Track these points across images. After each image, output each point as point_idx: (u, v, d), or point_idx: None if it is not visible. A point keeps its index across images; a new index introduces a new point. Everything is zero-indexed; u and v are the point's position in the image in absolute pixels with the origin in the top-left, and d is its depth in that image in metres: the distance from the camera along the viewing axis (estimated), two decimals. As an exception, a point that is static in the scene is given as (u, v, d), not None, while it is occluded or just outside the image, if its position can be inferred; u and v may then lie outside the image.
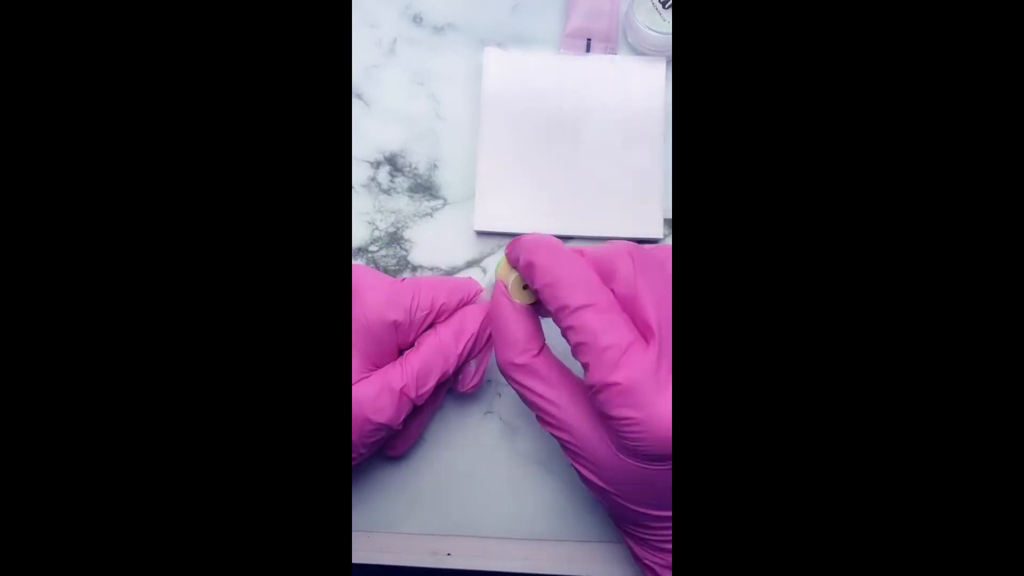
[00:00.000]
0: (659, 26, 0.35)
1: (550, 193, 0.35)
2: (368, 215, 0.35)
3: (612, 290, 0.23)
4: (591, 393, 0.22)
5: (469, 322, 0.28)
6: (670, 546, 0.24)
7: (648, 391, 0.21)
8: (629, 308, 0.23)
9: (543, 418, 0.25)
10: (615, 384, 0.21)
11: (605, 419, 0.22)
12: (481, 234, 0.35)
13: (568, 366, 0.26)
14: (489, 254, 0.35)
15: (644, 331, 0.22)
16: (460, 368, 0.29)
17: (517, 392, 0.26)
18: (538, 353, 0.25)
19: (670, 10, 0.35)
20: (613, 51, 0.37)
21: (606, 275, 0.24)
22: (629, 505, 0.24)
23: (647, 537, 0.25)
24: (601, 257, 0.24)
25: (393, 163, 0.36)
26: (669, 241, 0.35)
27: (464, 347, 0.28)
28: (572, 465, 0.25)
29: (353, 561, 0.31)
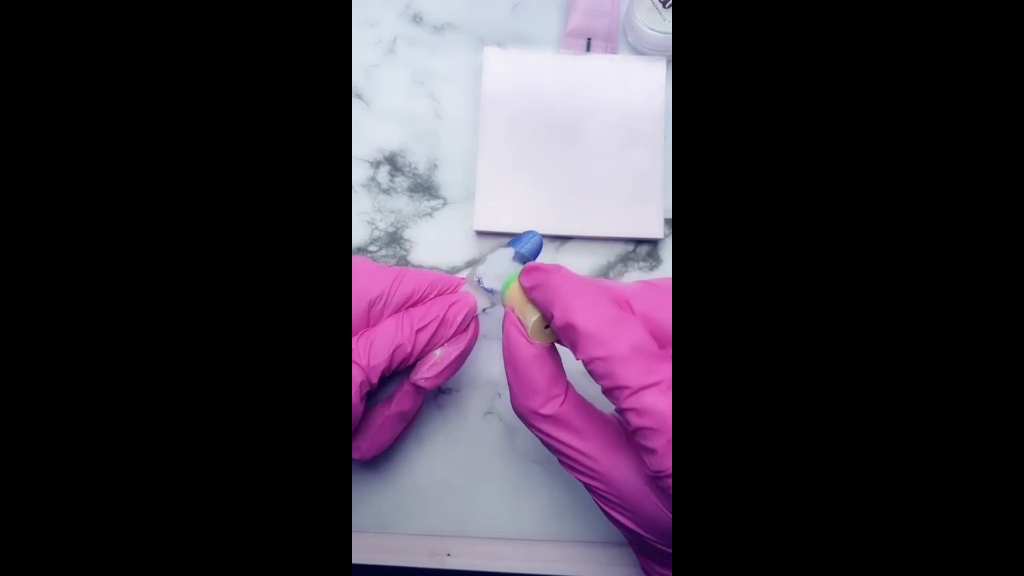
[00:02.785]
0: (659, 25, 0.35)
1: (550, 193, 0.35)
2: (368, 215, 0.35)
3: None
4: (655, 476, 0.20)
5: (436, 305, 0.27)
6: None
7: None
8: None
9: (571, 465, 0.23)
10: None
11: (669, 499, 0.20)
12: (481, 234, 0.35)
13: (589, 396, 0.23)
14: (488, 253, 0.35)
15: None
16: (422, 355, 0.27)
17: (538, 438, 0.23)
18: (564, 400, 0.23)
19: (670, 10, 0.35)
20: (613, 51, 0.37)
21: (662, 338, 0.21)
22: (664, 548, 0.22)
23: (669, 564, 0.23)
24: (653, 316, 0.21)
25: (393, 163, 0.36)
26: (669, 241, 0.35)
27: (426, 326, 0.26)
28: (600, 507, 0.23)
29: (353, 561, 0.31)
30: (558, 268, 0.23)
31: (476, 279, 0.28)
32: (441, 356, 0.27)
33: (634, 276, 0.35)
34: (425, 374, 0.27)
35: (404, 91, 0.37)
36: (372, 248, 0.35)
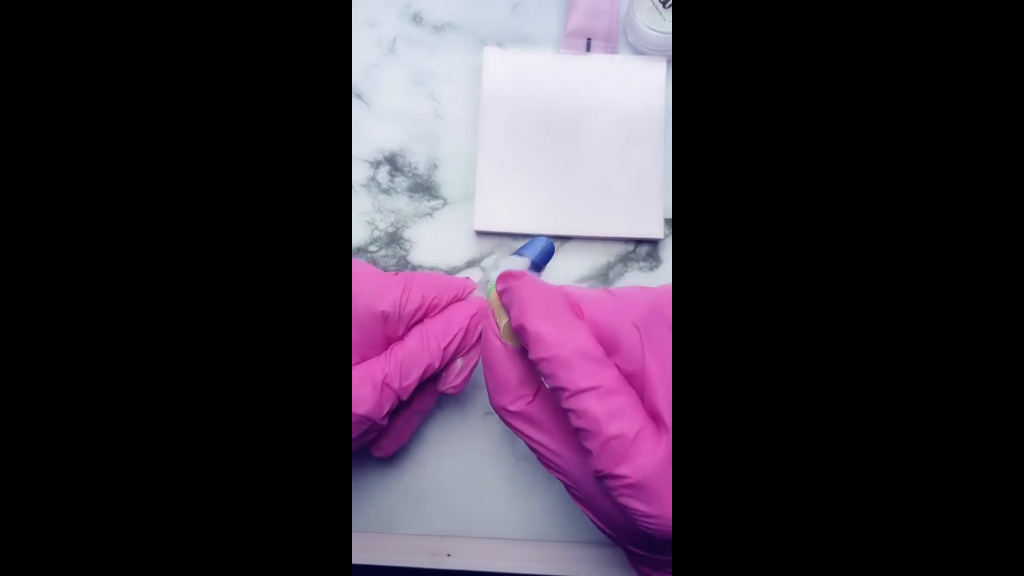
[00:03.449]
0: (659, 25, 0.35)
1: (550, 193, 0.35)
2: (368, 215, 0.35)
3: (616, 365, 0.21)
4: (597, 476, 0.21)
5: (458, 317, 0.27)
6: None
7: (663, 487, 0.19)
8: (636, 385, 0.21)
9: (544, 462, 0.24)
10: (623, 477, 0.19)
11: (614, 500, 0.20)
12: (481, 234, 0.35)
13: None
14: (489, 254, 0.35)
15: (653, 415, 0.20)
16: (446, 366, 0.28)
17: (513, 432, 0.25)
18: (532, 399, 0.24)
19: (670, 9, 0.35)
20: (613, 50, 0.37)
21: (609, 346, 0.22)
22: (633, 549, 0.23)
23: (652, 563, 0.24)
24: (602, 323, 0.22)
25: (393, 163, 0.36)
26: (669, 241, 0.35)
27: (451, 342, 0.27)
28: (576, 504, 0.24)
29: (353, 561, 0.31)
30: (523, 275, 0.24)
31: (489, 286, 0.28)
32: (463, 364, 0.29)
33: (634, 276, 0.35)
34: (452, 383, 0.28)
35: (404, 91, 0.37)
36: (372, 248, 0.35)
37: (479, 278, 0.35)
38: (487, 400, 0.33)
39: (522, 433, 0.24)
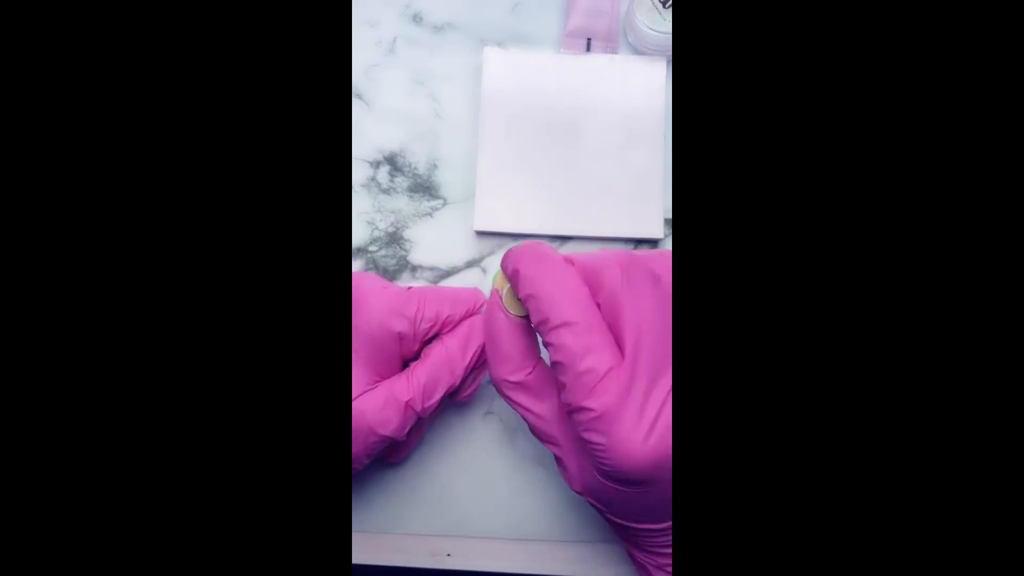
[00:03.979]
0: (659, 25, 0.35)
1: (550, 193, 0.35)
2: (368, 215, 0.35)
3: (598, 304, 0.22)
4: (567, 411, 0.22)
5: (476, 335, 0.28)
6: (667, 550, 0.24)
7: (616, 418, 0.20)
8: (612, 323, 0.22)
9: (534, 432, 0.25)
10: (589, 410, 0.20)
11: (583, 441, 0.22)
12: (481, 234, 0.35)
13: None
14: (489, 254, 0.35)
15: (621, 343, 0.21)
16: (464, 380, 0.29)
17: (507, 403, 0.26)
18: (532, 370, 0.25)
19: (670, 9, 0.35)
20: (613, 50, 0.37)
21: (593, 285, 0.23)
22: (616, 520, 0.24)
23: (641, 543, 0.25)
24: (591, 267, 0.23)
25: (393, 163, 0.36)
26: (669, 241, 0.35)
27: (471, 360, 0.28)
28: (563, 477, 0.25)
29: (353, 561, 0.31)
30: (529, 241, 0.26)
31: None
32: (475, 374, 0.29)
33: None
34: (465, 392, 0.29)
35: (404, 91, 0.37)
36: (372, 248, 0.35)
37: (480, 278, 0.35)
38: (487, 400, 0.33)
39: (518, 404, 0.25)
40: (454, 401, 0.30)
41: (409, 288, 0.29)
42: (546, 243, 0.25)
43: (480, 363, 0.29)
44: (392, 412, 0.26)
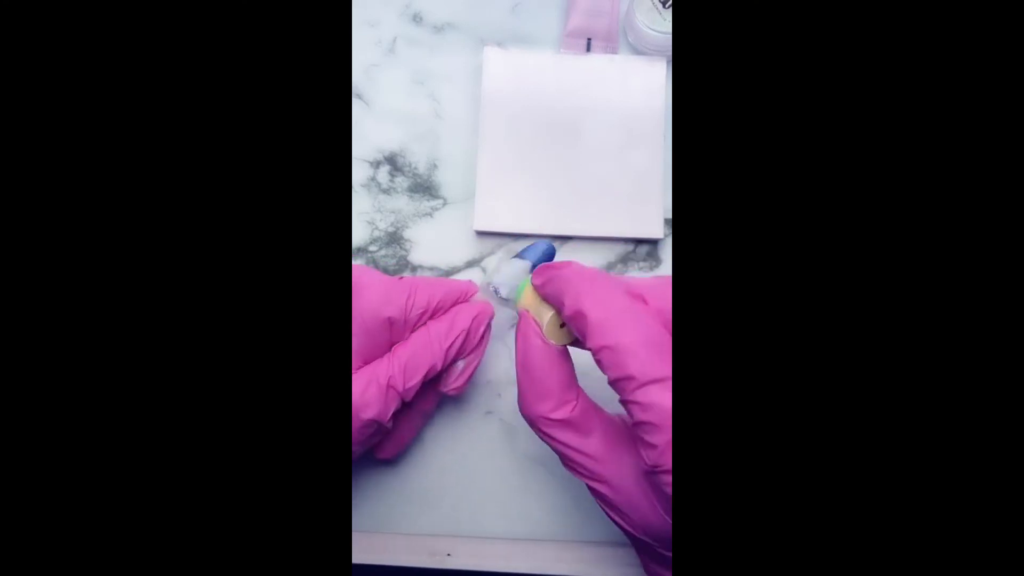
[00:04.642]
0: (659, 25, 0.35)
1: (550, 193, 0.35)
2: (368, 215, 0.35)
3: None
4: (652, 471, 0.20)
5: (460, 319, 0.28)
6: None
7: None
8: None
9: (574, 468, 0.23)
10: None
11: (665, 498, 0.20)
12: (481, 234, 0.35)
13: (592, 389, 0.23)
14: (489, 254, 0.35)
15: None
16: (448, 367, 0.28)
17: (544, 441, 0.23)
18: (576, 404, 0.23)
19: (670, 9, 0.35)
20: (613, 50, 0.37)
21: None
22: (663, 552, 0.22)
23: (670, 566, 0.23)
24: (666, 312, 0.21)
25: (393, 163, 0.36)
26: (669, 241, 0.35)
27: (453, 342, 0.27)
28: (602, 508, 0.23)
29: (353, 561, 0.31)
30: (570, 263, 0.23)
31: (493, 289, 0.29)
32: (464, 365, 0.29)
33: (634, 276, 0.35)
34: (454, 384, 0.29)
35: (404, 91, 0.37)
36: (372, 248, 0.35)
37: (479, 278, 0.35)
38: (487, 400, 0.33)
39: (559, 441, 0.23)
40: (442, 391, 0.29)
41: (401, 278, 0.29)
42: (600, 271, 0.23)
43: (468, 352, 0.28)
44: (373, 393, 0.25)
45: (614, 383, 0.20)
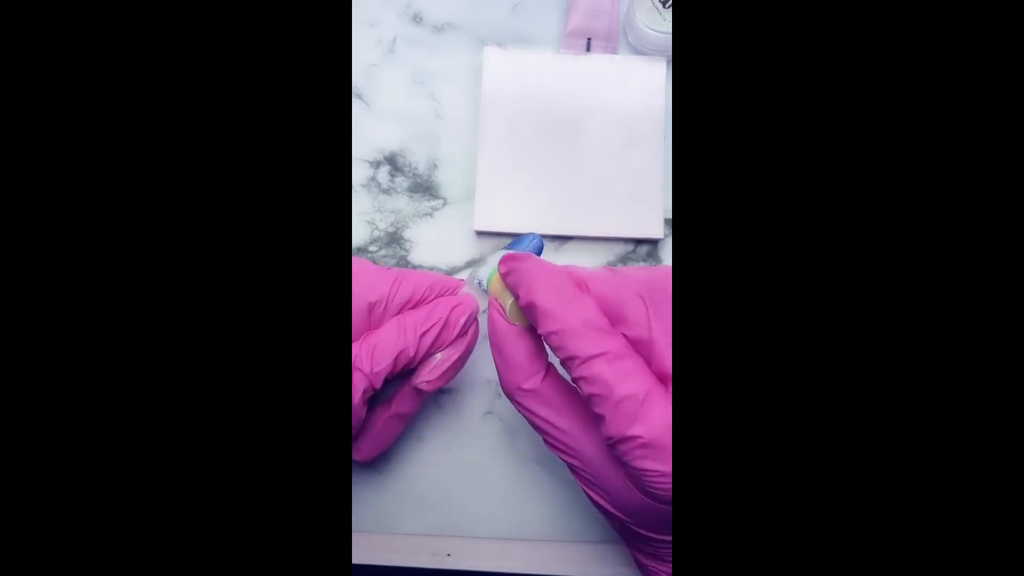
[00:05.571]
0: (659, 25, 0.35)
1: (550, 193, 0.35)
2: (368, 215, 0.35)
3: (623, 334, 0.22)
4: (609, 443, 0.21)
5: (439, 308, 0.27)
6: None
7: (671, 444, 0.20)
8: (643, 351, 0.22)
9: (551, 443, 0.24)
10: (636, 437, 0.20)
11: (626, 467, 0.21)
12: (481, 234, 0.35)
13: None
14: (489, 254, 0.35)
15: (662, 377, 0.21)
16: (424, 359, 0.27)
17: (523, 416, 0.25)
18: (545, 376, 0.24)
19: (670, 9, 0.35)
20: (613, 50, 0.37)
21: (614, 317, 0.22)
22: (641, 531, 0.23)
23: (655, 551, 0.24)
24: (607, 296, 0.23)
25: (393, 163, 0.36)
26: (669, 241, 0.35)
27: (428, 330, 0.26)
28: (583, 489, 0.24)
29: (353, 561, 0.31)
30: (528, 256, 0.25)
31: (476, 281, 0.28)
32: (442, 359, 0.27)
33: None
34: (426, 377, 0.27)
35: (404, 91, 0.37)
36: (372, 248, 0.35)
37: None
38: (487, 400, 0.33)
39: (533, 413, 0.24)
40: (415, 384, 0.28)
41: (389, 268, 0.28)
42: (546, 261, 0.25)
43: (446, 344, 0.27)
44: None
45: (563, 364, 0.22)
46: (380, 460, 0.32)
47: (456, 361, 0.28)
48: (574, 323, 0.22)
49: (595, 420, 0.23)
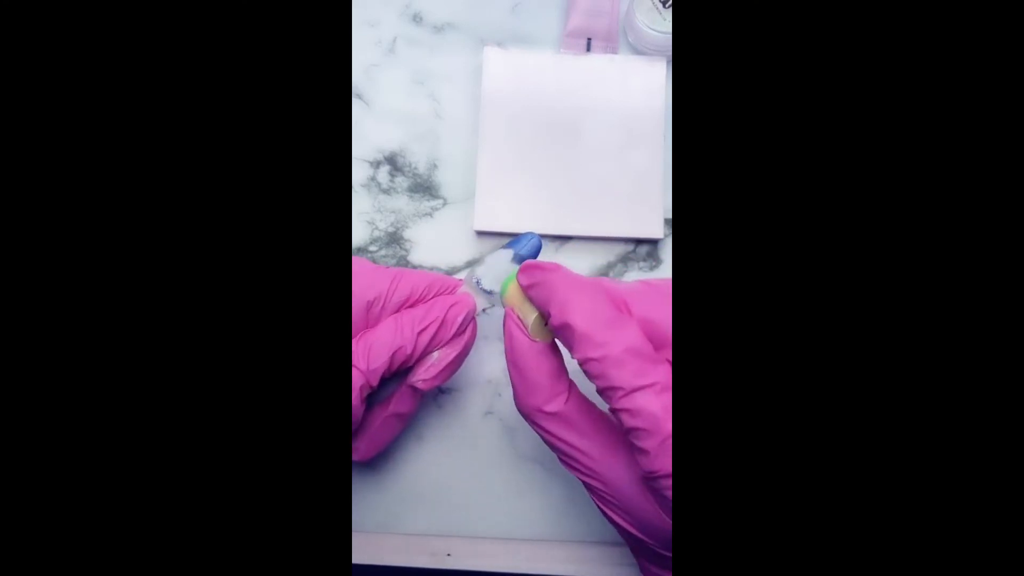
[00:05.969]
0: (659, 25, 0.35)
1: (550, 193, 0.35)
2: (368, 215, 0.35)
3: (668, 360, 0.21)
4: (649, 477, 0.20)
5: (436, 307, 0.27)
6: None
7: None
8: None
9: (570, 464, 0.23)
10: None
11: (662, 499, 0.20)
12: (481, 234, 0.35)
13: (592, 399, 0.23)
14: (488, 253, 0.35)
15: None
16: (421, 357, 0.27)
17: (540, 436, 0.24)
18: (568, 397, 0.23)
19: (670, 9, 0.35)
20: (613, 50, 0.37)
21: (658, 340, 0.21)
22: (660, 551, 0.22)
23: (667, 566, 0.23)
24: (651, 318, 0.21)
25: (393, 163, 0.36)
26: (669, 241, 0.35)
27: (426, 328, 0.26)
28: (597, 506, 0.23)
29: (353, 561, 0.31)
30: (556, 267, 0.23)
31: (475, 280, 0.28)
32: (439, 358, 0.27)
33: (634, 276, 0.35)
34: (423, 375, 0.27)
35: (404, 91, 0.37)
36: (372, 248, 0.35)
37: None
38: (487, 400, 0.33)
39: (554, 436, 0.23)
40: (411, 383, 0.28)
41: (388, 267, 0.28)
42: (575, 274, 0.23)
43: (443, 343, 0.27)
44: None
45: (602, 392, 0.21)
46: (380, 460, 0.32)
47: (453, 360, 0.28)
48: (617, 351, 0.20)
49: (624, 445, 0.22)
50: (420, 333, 0.26)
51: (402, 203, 0.36)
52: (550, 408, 0.23)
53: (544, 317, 0.23)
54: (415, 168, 0.36)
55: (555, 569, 0.32)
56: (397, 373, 0.27)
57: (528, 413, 0.24)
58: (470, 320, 0.28)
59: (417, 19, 0.38)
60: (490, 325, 0.34)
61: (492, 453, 0.33)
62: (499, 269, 0.28)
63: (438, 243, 0.35)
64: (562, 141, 0.35)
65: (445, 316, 0.27)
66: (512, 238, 0.34)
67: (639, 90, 0.36)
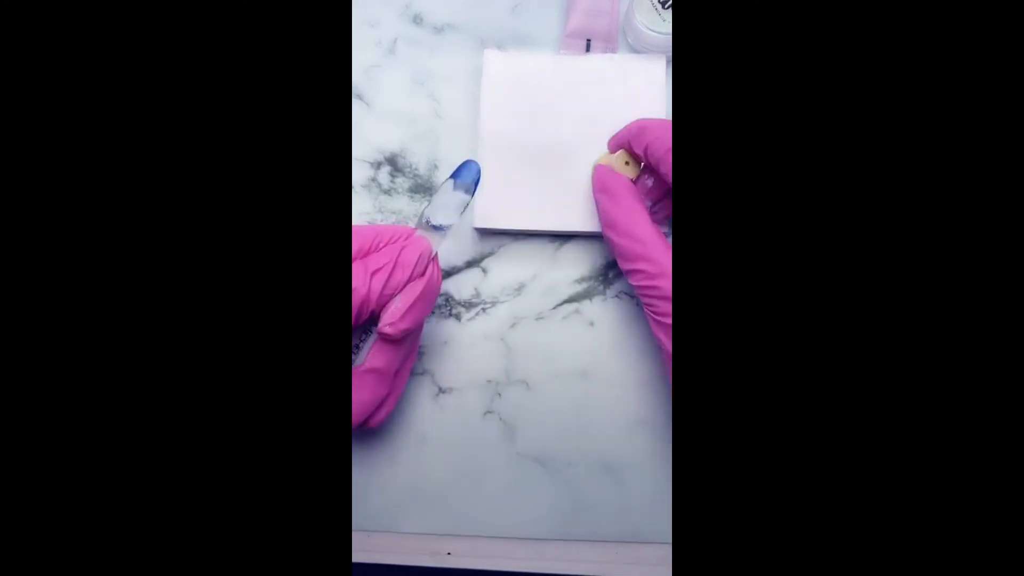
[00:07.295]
0: (659, 26, 0.35)
1: (550, 192, 0.35)
2: (368, 215, 0.35)
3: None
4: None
5: (387, 251, 0.27)
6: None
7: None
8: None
9: (619, 245, 0.30)
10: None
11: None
12: (481, 233, 0.35)
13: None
14: (489, 254, 0.35)
15: None
16: (383, 303, 0.27)
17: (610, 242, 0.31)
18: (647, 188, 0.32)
19: (670, 10, 0.35)
20: (613, 51, 0.37)
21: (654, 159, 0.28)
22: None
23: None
24: (654, 156, 0.29)
25: (393, 163, 0.36)
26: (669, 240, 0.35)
27: (379, 269, 0.26)
28: (651, 320, 0.28)
29: (353, 561, 0.31)
30: (655, 123, 0.31)
31: (425, 220, 0.29)
32: (401, 302, 0.27)
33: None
34: (389, 320, 0.27)
35: (404, 91, 0.37)
36: (372, 248, 0.35)
37: (479, 279, 0.35)
38: (487, 400, 0.33)
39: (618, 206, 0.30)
40: (379, 331, 0.27)
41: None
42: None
43: (399, 288, 0.27)
44: None
45: (639, 288, 0.28)
46: (380, 459, 0.32)
47: (417, 302, 0.28)
48: (659, 267, 0.28)
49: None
50: (373, 275, 0.26)
51: (403, 203, 0.36)
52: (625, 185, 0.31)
53: (627, 157, 0.32)
54: (415, 169, 0.36)
55: (555, 569, 0.32)
56: (366, 326, 0.28)
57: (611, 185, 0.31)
58: (427, 261, 0.28)
59: (417, 20, 0.38)
60: (484, 325, 0.34)
61: (492, 453, 0.33)
62: (445, 200, 0.29)
63: (438, 243, 0.35)
64: (562, 141, 0.35)
65: (397, 258, 0.27)
66: (512, 237, 0.34)
67: (639, 90, 0.36)
